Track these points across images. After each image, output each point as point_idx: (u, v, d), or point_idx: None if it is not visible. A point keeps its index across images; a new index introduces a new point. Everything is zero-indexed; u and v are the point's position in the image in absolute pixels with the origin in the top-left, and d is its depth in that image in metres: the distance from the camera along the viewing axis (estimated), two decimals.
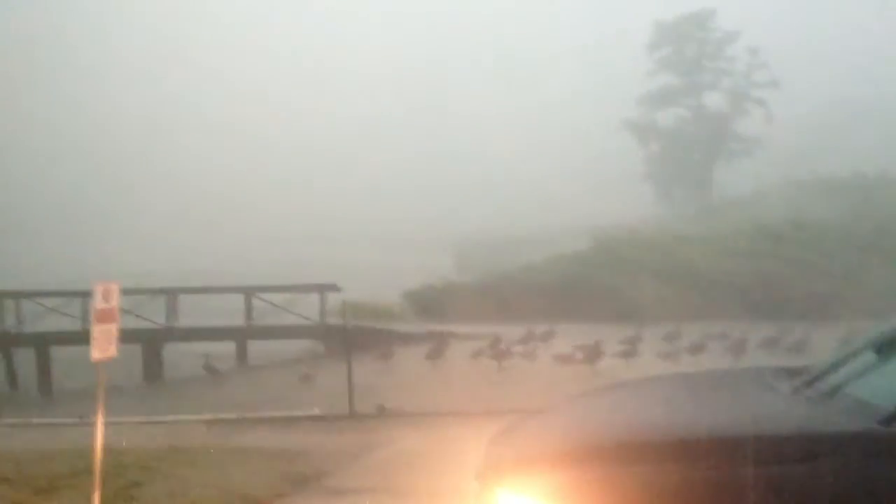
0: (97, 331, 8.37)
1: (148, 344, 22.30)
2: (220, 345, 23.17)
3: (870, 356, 4.32)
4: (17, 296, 23.67)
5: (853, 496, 3.07)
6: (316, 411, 13.46)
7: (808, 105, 61.59)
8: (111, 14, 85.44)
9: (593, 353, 17.50)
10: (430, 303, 29.32)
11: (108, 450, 8.29)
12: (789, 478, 3.12)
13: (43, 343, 22.11)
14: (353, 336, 14.63)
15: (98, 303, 8.51)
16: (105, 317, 8.55)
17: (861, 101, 61.38)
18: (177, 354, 21.85)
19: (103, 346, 8.42)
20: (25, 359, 22.28)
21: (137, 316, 20.99)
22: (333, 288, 22.93)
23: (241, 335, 23.52)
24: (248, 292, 23.91)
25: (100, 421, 8.13)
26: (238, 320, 23.53)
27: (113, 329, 8.61)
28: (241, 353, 23.56)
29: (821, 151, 52.19)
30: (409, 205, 64.20)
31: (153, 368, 22.41)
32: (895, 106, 58.46)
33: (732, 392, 4.15)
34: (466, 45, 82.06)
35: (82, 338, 17.93)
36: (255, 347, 23.68)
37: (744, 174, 50.59)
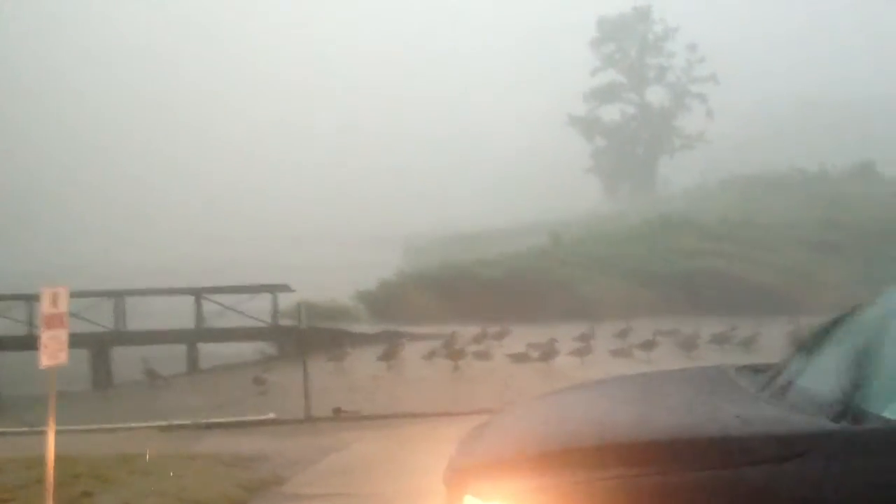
0: (46, 336, 8.16)
1: (96, 348, 21.89)
2: (171, 348, 22.84)
3: (825, 350, 4.36)
4: None
5: (820, 497, 3.07)
6: (271, 415, 13.30)
7: (748, 102, 62.71)
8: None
9: (547, 352, 17.58)
10: (385, 302, 29.27)
11: (59, 458, 8.10)
12: (761, 479, 3.11)
13: None
14: (307, 337, 14.48)
15: (46, 307, 8.31)
16: (54, 322, 8.34)
17: (802, 97, 62.61)
18: (127, 359, 21.43)
19: (53, 352, 8.22)
20: None
21: (84, 320, 20.59)
22: (285, 288, 22.74)
23: (191, 338, 23.18)
24: (198, 294, 23.59)
25: (51, 429, 7.94)
26: (189, 322, 23.23)
27: (63, 334, 8.41)
28: (193, 357, 23.21)
29: (761, 148, 53.17)
30: (362, 203, 64.04)
31: (102, 374, 22.00)
32: (837, 102, 59.78)
33: (698, 392, 4.15)
34: (417, 41, 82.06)
35: (28, 343, 17.62)
36: (207, 350, 23.37)
37: (686, 169, 51.35)
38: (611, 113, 55.64)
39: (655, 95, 55.31)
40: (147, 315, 24.16)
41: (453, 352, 18.72)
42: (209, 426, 12.67)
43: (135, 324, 23.65)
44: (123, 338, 22.78)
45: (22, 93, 75.30)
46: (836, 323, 4.58)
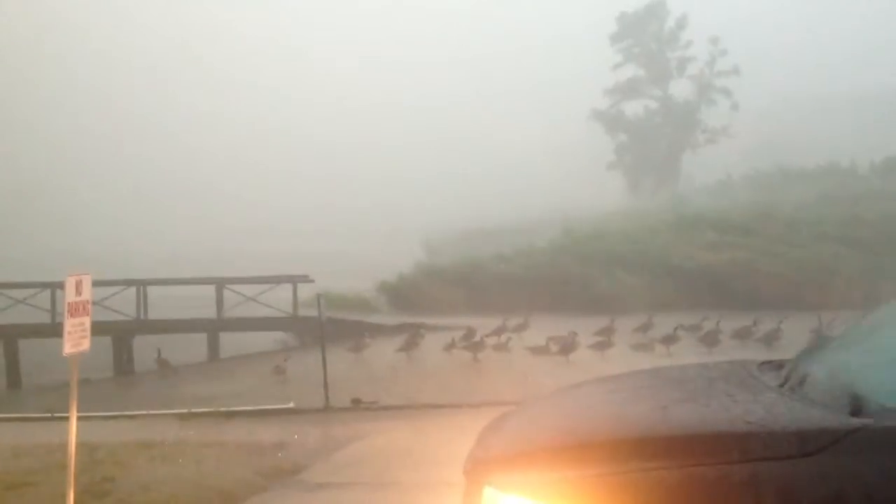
0: (70, 324, 8.23)
1: (118, 337, 22.07)
2: (193, 337, 23.00)
3: (846, 345, 4.33)
4: None
5: (840, 493, 3.05)
6: (290, 405, 13.35)
7: (774, 97, 62.26)
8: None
9: (567, 345, 17.53)
10: (404, 294, 29.29)
11: (80, 445, 8.16)
12: (781, 474, 3.10)
13: (11, 336, 21.77)
14: (326, 328, 14.53)
15: (70, 295, 8.37)
16: (77, 310, 8.41)
17: (829, 93, 62.10)
18: (150, 347, 21.62)
19: (76, 339, 8.28)
20: None
21: (107, 308, 20.77)
22: (306, 279, 22.84)
23: (212, 327, 23.33)
24: (220, 284, 23.72)
25: (73, 415, 8.00)
26: (210, 312, 23.37)
27: (86, 322, 8.47)
28: (213, 346, 23.36)
29: (787, 143, 52.77)
30: (383, 196, 64.14)
31: (123, 362, 22.18)
32: (863, 97, 59.21)
33: (719, 387, 4.13)
34: (439, 38, 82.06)
35: (53, 330, 17.79)
36: (227, 340, 23.50)
37: (711, 164, 51.05)
38: (634, 108, 55.46)
39: (679, 90, 55.07)
40: (169, 305, 24.33)
41: (472, 344, 18.72)
42: (229, 415, 12.74)
43: (156, 313, 23.80)
44: (145, 326, 22.95)
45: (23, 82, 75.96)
46: (858, 318, 4.55)
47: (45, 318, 21.32)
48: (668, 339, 18.28)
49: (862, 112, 57.53)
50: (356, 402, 13.32)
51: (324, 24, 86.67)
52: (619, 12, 54.82)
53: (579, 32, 66.72)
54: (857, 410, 3.26)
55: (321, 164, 72.80)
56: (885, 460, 3.05)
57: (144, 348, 21.71)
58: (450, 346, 18.78)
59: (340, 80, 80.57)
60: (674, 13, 54.04)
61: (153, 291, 23.97)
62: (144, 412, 13.19)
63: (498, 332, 20.08)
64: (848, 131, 52.49)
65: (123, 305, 22.91)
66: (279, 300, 23.40)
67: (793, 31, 70.45)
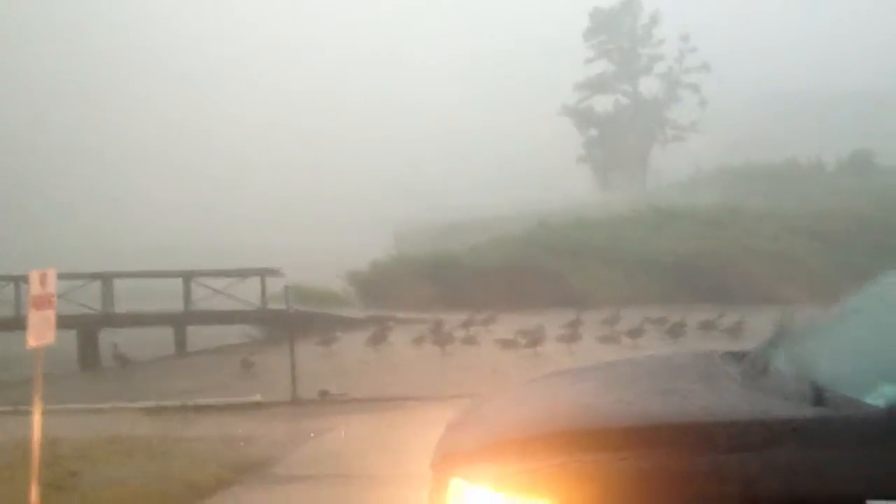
0: (34, 317, 8.14)
1: (83, 330, 21.84)
2: (160, 330, 22.82)
3: (814, 337, 4.38)
4: None
5: (799, 483, 3.09)
6: (258, 398, 13.30)
7: (742, 94, 62.84)
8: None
9: (535, 338, 17.61)
10: (374, 286, 29.22)
11: (44, 439, 8.07)
12: (740, 465, 3.13)
13: None
14: (295, 321, 14.47)
15: (34, 288, 8.28)
16: (42, 303, 8.32)
17: (796, 89, 62.78)
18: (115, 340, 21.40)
19: (40, 332, 8.20)
20: None
21: (72, 302, 20.55)
22: (275, 272, 22.71)
23: (179, 320, 23.11)
24: (187, 276, 23.52)
25: (37, 409, 7.91)
26: (177, 305, 23.19)
27: (50, 315, 8.38)
28: (180, 339, 23.14)
29: (755, 139, 53.25)
30: (356, 189, 63.97)
31: (89, 355, 21.95)
32: (828, 96, 59.95)
33: (682, 377, 4.17)
34: (412, 31, 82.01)
35: (15, 324, 17.54)
36: (195, 333, 23.33)
37: (680, 160, 51.39)
38: (604, 104, 55.66)
39: (648, 86, 55.32)
40: (137, 297, 24.13)
41: (441, 337, 18.76)
42: (196, 408, 12.66)
43: (123, 306, 23.59)
44: (111, 319, 22.73)
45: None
46: (819, 310, 4.61)
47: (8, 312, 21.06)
48: (635, 332, 18.43)
49: (831, 110, 58.30)
50: (324, 394, 13.30)
51: (292, 23, 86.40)
52: (592, 8, 54.96)
53: (554, 28, 66.89)
54: (817, 401, 3.31)
55: (293, 155, 72.54)
56: (845, 450, 3.09)
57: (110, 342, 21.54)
58: (418, 339, 18.80)
59: (317, 76, 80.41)
60: (646, 10, 54.24)
61: (120, 284, 23.75)
62: (110, 406, 13.08)
63: (466, 325, 20.12)
64: (817, 128, 53.14)
65: (90, 300, 22.68)
66: (248, 293, 23.26)
67: (763, 29, 71.14)
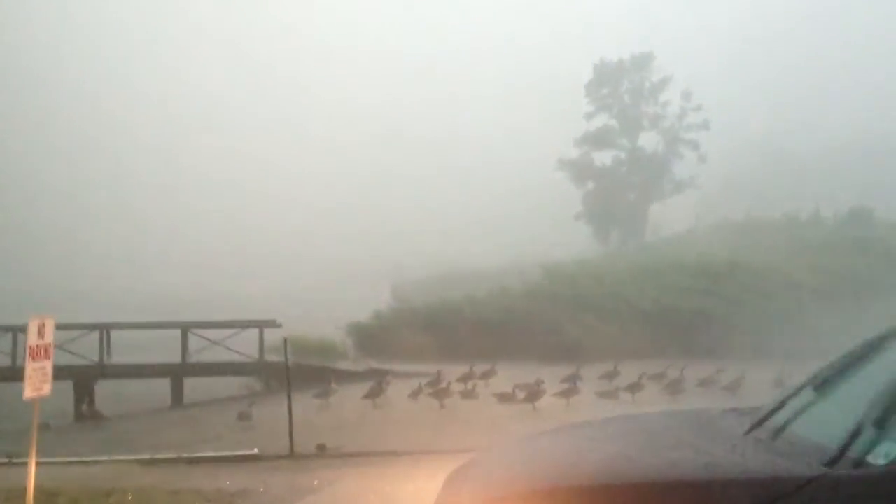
0: (31, 368, 8.14)
1: (79, 381, 21.74)
2: (156, 382, 22.71)
3: (813, 395, 4.39)
4: None
5: None
6: (254, 451, 13.20)
7: (740, 150, 63.28)
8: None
9: (534, 392, 17.51)
10: (372, 339, 29.12)
11: (39, 490, 8.01)
12: None
13: None
14: (292, 374, 14.41)
15: (32, 339, 8.28)
16: (39, 353, 8.32)
17: (792, 147, 63.31)
18: (112, 392, 21.33)
19: (37, 383, 8.18)
20: None
21: (69, 352, 20.49)
22: (273, 324, 22.63)
23: (176, 372, 23.01)
24: (185, 328, 23.48)
25: (32, 461, 7.87)
26: (175, 356, 23.11)
27: (47, 366, 8.39)
28: (177, 391, 23.01)
29: (752, 194, 53.45)
30: (355, 242, 64.05)
31: (85, 406, 21.82)
32: (824, 151, 60.43)
33: (683, 434, 4.16)
34: (415, 78, 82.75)
35: (10, 374, 17.46)
36: (192, 385, 23.21)
37: (678, 214, 51.51)
38: (602, 158, 55.82)
39: (647, 141, 55.54)
40: (135, 347, 24.07)
41: (439, 390, 18.65)
42: (192, 461, 12.56)
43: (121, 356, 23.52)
44: (108, 371, 22.63)
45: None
46: (821, 368, 4.62)
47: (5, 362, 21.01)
48: (634, 387, 18.33)
49: (829, 164, 58.72)
50: (321, 448, 13.20)
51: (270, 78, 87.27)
52: (598, 59, 55.15)
53: (557, 80, 67.36)
54: (820, 460, 3.31)
55: (291, 201, 72.87)
56: None
57: (107, 393, 21.43)
58: (416, 393, 18.70)
59: (310, 114, 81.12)
60: (657, 70, 54.23)
61: (118, 335, 23.71)
62: (106, 458, 12.97)
63: (465, 378, 20.03)
64: (814, 182, 53.42)
65: (88, 350, 22.60)
66: (246, 345, 23.18)
67: (763, 83, 71.84)
